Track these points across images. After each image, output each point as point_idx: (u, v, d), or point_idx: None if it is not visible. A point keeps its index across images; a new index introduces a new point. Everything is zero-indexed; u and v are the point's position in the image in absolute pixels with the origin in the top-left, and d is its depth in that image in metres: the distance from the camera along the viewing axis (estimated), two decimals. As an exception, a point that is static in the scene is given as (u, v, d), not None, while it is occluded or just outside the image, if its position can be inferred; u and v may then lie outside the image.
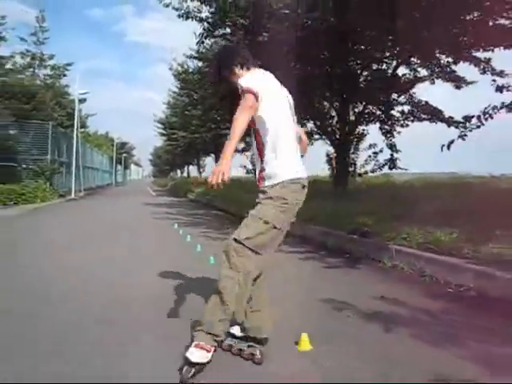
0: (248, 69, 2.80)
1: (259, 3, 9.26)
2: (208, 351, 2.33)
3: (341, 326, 3.22)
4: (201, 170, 39.71)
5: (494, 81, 7.19)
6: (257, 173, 2.71)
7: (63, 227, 9.77)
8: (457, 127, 9.99)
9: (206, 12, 10.87)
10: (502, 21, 8.35)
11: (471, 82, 10.68)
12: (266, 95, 2.53)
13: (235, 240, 2.47)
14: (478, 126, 7.88)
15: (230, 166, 2.41)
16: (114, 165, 53.06)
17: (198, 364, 2.30)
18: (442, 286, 4.37)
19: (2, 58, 21.35)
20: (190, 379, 2.26)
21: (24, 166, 18.94)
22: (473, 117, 7.96)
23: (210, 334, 2.36)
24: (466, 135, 8.07)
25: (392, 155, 11.16)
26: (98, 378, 2.33)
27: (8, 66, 22.21)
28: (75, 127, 22.27)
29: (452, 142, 8.08)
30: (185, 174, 58.08)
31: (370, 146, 12.45)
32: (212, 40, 12.44)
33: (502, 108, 7.44)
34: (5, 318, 3.31)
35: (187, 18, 10.70)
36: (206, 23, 10.87)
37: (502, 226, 5.13)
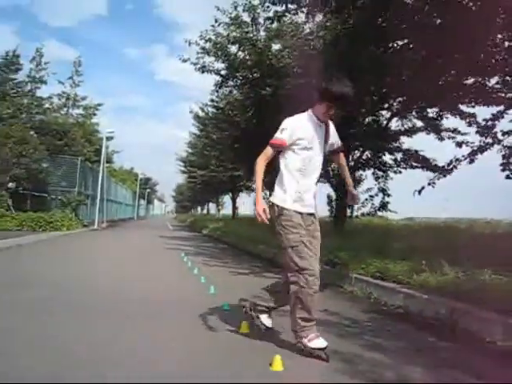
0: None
1: (262, 63, 10.63)
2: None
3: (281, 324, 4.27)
4: (219, 207, 41.08)
5: (453, 137, 8.34)
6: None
7: (88, 248, 11.21)
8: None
9: (220, 64, 12.36)
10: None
11: (453, 136, 11.67)
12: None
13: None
14: (444, 176, 9.03)
15: (261, 205, 3.26)
16: (137, 199, 54.96)
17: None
18: (379, 305, 5.41)
19: (41, 99, 23.47)
20: None
21: (53, 196, 20.60)
22: (442, 166, 9.14)
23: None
24: (434, 183, 9.20)
25: (383, 199, 12.22)
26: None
27: (46, 106, 24.32)
28: (102, 163, 23.97)
29: (423, 188, 9.24)
30: (205, 211, 59.61)
31: (367, 189, 13.52)
32: (226, 89, 13.90)
33: (464, 159, 8.59)
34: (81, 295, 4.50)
35: (203, 71, 12.19)
36: (219, 76, 12.37)
37: (446, 260, 6.12)
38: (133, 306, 4.70)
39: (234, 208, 32.49)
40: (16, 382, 2.30)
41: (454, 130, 10.82)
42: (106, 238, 17.43)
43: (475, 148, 8.75)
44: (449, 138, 11.20)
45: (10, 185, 18.01)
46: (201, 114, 24.04)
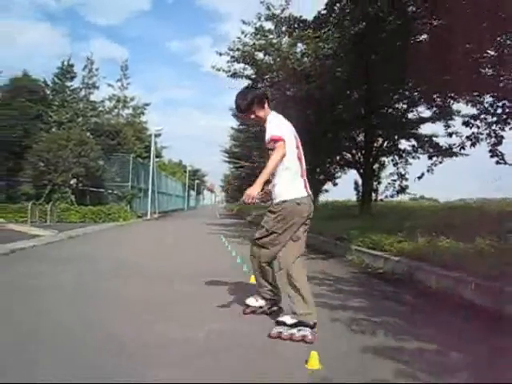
0: (262, 107, 3.76)
1: (286, 66, 12.00)
2: None
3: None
4: (264, 195, 42.62)
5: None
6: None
7: (139, 236, 13.08)
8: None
9: (249, 70, 13.85)
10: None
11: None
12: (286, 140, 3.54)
13: (253, 240, 3.82)
14: (441, 162, 10.16)
15: (257, 191, 3.36)
16: (187, 191, 57.48)
17: None
18: (367, 268, 6.84)
19: (95, 103, 25.87)
20: None
21: (109, 191, 22.84)
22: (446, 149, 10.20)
23: None
24: (432, 169, 10.37)
25: (401, 183, 13.39)
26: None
27: (99, 109, 26.69)
28: (152, 158, 26.06)
29: (423, 174, 10.44)
30: (252, 200, 61.21)
31: (390, 174, 14.69)
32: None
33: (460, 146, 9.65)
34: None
35: (234, 76, 13.72)
36: (249, 79, 13.88)
37: (436, 234, 7.39)
38: (176, 274, 6.35)
39: (277, 196, 33.89)
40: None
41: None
42: (157, 226, 19.45)
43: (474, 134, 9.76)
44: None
45: (72, 182, 20.24)
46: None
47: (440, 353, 3.05)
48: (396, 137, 13.61)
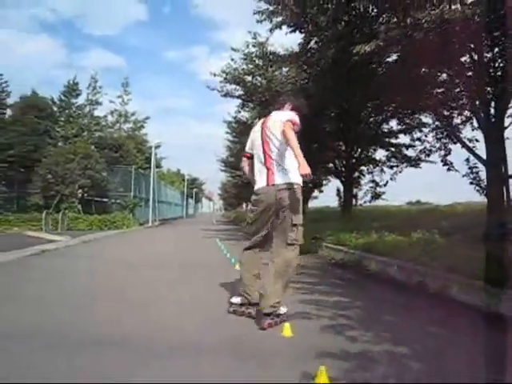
0: None
1: (271, 88, 13.68)
2: None
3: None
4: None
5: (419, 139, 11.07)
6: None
7: (143, 240, 14.69)
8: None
9: (239, 91, 15.53)
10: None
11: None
12: None
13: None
14: (401, 171, 11.82)
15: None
16: (185, 199, 59.11)
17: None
18: (331, 260, 8.46)
19: (99, 118, 27.64)
20: None
21: (113, 200, 24.46)
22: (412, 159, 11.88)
23: None
24: (395, 177, 12.01)
25: (375, 189, 15.04)
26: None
27: (102, 123, 28.44)
28: (152, 169, 27.73)
29: (387, 182, 12.05)
30: (249, 207, 62.83)
31: (369, 181, 16.35)
32: (247, 109, 17.10)
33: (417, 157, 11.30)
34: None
35: (226, 96, 15.39)
36: (240, 99, 15.57)
37: (391, 231, 9.01)
38: (173, 266, 7.98)
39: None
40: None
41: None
42: (158, 232, 21.06)
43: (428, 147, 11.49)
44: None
45: (79, 192, 21.82)
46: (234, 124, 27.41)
47: (349, 302, 4.68)
48: (369, 148, 15.27)
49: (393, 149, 15.13)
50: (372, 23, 7.39)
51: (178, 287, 5.63)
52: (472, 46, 7.26)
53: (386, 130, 15.30)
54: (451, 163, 10.50)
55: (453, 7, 5.56)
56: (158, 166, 34.62)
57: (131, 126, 31.94)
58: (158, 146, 31.44)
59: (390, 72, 9.71)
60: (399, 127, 14.23)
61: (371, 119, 14.98)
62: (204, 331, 3.55)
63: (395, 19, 6.72)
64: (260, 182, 3.94)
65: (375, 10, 7.21)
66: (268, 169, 3.89)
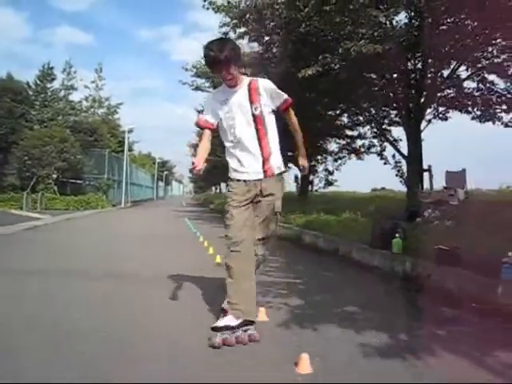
0: (239, 65, 3.43)
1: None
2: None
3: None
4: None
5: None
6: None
7: (119, 218, 16.33)
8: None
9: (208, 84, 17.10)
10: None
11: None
12: None
13: None
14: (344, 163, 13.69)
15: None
16: (156, 181, 60.32)
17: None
18: (280, 236, 10.31)
19: (74, 103, 28.70)
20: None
21: (87, 182, 25.70)
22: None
23: None
24: (339, 168, 13.88)
25: (327, 177, 17.00)
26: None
27: (77, 108, 29.50)
28: (125, 153, 29.08)
29: (333, 171, 13.92)
30: (218, 191, 64.68)
31: (325, 170, 18.28)
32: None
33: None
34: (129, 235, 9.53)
35: (196, 90, 16.98)
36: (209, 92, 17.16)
37: (332, 213, 10.86)
38: (149, 237, 9.67)
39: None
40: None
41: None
42: (131, 213, 22.62)
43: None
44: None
45: (54, 174, 22.98)
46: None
47: (279, 260, 6.50)
48: (324, 140, 17.18)
49: (348, 140, 16.93)
50: (312, 49, 9.03)
51: (152, 248, 7.40)
52: (393, 71, 9.13)
53: (340, 123, 17.17)
54: (386, 157, 12.46)
55: (369, 45, 7.33)
56: (130, 149, 35.84)
57: (105, 111, 33.06)
58: (130, 131, 32.74)
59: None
60: (348, 123, 16.10)
61: (327, 115, 16.81)
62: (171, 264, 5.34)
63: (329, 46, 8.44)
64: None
65: (314, 39, 8.83)
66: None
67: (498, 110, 9.47)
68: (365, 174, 16.91)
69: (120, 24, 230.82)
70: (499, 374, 2.48)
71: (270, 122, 3.29)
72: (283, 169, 3.38)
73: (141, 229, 11.65)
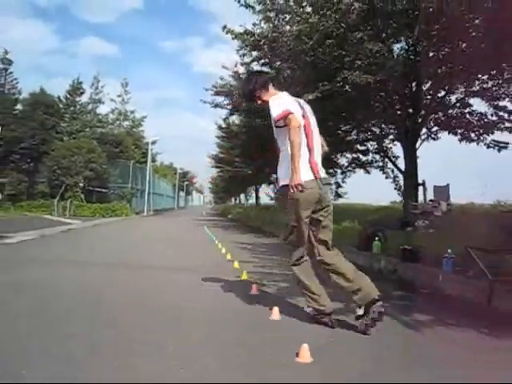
0: (267, 90, 3.65)
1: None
2: None
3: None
4: (247, 197, 47.48)
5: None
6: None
7: (144, 225, 17.67)
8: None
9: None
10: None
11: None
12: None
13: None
14: (349, 176, 14.73)
15: (300, 176, 3.18)
16: (177, 191, 61.92)
17: None
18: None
19: (101, 115, 30.50)
20: None
21: (112, 191, 27.17)
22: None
23: None
24: (345, 181, 14.89)
25: (337, 189, 18.01)
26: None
27: (104, 121, 31.24)
28: (148, 164, 30.56)
29: (338, 184, 14.96)
30: (237, 201, 65.97)
31: (336, 183, 19.28)
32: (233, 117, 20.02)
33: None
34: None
35: (216, 107, 18.23)
36: (228, 110, 18.43)
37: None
38: (172, 241, 10.85)
39: (257, 198, 38.56)
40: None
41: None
42: (153, 220, 23.95)
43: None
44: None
45: (82, 183, 24.43)
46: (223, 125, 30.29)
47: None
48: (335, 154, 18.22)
49: (356, 155, 17.88)
50: (317, 75, 10.13)
51: (175, 250, 8.58)
52: (388, 97, 10.23)
53: (350, 139, 18.22)
54: (387, 172, 13.50)
55: (362, 76, 8.44)
56: (153, 160, 37.42)
57: (130, 124, 34.79)
58: (153, 142, 34.28)
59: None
60: (357, 140, 17.13)
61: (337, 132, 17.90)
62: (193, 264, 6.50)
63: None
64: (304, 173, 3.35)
65: (319, 66, 9.92)
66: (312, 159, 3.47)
67: (477, 133, 10.47)
68: (386, 186, 17.54)
69: (144, 35, 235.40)
70: (413, 327, 3.56)
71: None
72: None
73: (164, 234, 12.86)
